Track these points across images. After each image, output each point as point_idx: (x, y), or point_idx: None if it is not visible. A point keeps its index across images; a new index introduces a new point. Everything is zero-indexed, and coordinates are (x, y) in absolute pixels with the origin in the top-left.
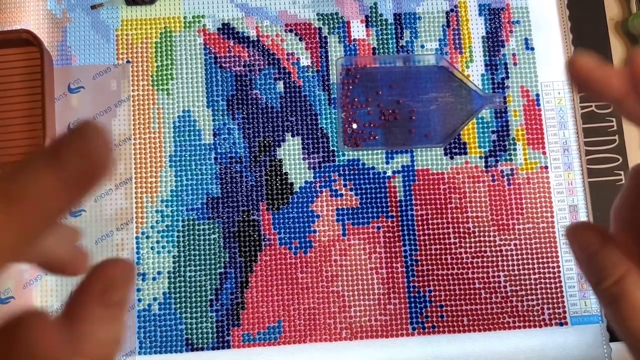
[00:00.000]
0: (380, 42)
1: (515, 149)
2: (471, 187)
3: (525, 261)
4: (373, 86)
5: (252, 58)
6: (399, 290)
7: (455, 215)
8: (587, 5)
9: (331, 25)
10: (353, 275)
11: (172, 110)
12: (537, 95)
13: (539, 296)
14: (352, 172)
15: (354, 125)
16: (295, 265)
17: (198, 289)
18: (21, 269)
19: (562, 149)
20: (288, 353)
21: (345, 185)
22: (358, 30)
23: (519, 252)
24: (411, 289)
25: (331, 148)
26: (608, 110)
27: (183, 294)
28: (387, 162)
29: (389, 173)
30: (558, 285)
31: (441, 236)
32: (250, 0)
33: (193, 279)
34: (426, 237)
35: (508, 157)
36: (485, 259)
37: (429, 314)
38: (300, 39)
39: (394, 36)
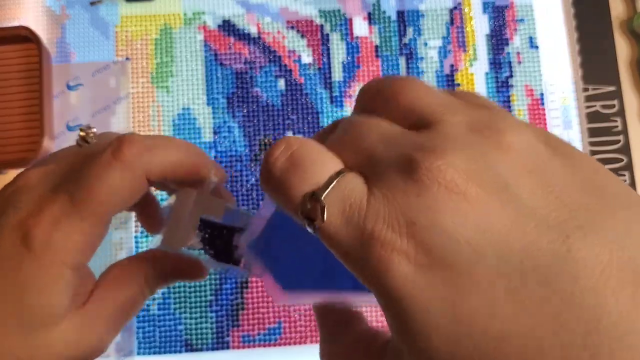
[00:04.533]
0: (383, 39)
1: None
2: None
3: None
4: None
5: (253, 55)
6: None
7: None
8: (592, 4)
9: (333, 23)
10: None
11: (171, 108)
12: (542, 94)
13: None
14: None
15: None
16: None
17: (197, 289)
18: None
19: None
20: (288, 354)
21: None
22: (360, 27)
23: None
24: None
25: None
26: (613, 110)
27: (182, 295)
28: None
29: None
30: None
31: None
32: None
33: None
34: None
35: None
36: None
37: None
38: (302, 36)
39: (397, 33)
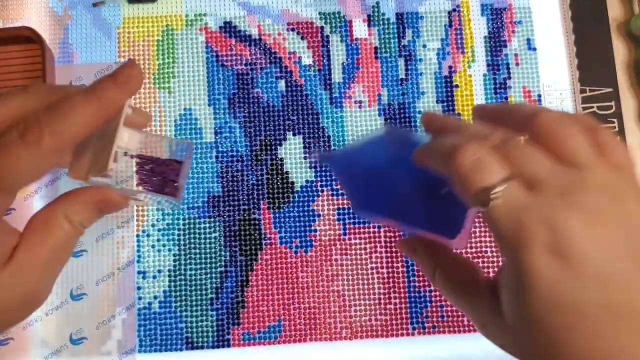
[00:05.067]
0: (382, 41)
1: None
2: None
3: None
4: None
5: (254, 56)
6: (399, 289)
7: None
8: (589, 6)
9: (333, 24)
10: (353, 274)
11: (173, 109)
12: (539, 96)
13: None
14: None
15: None
16: (296, 264)
17: (198, 287)
18: None
19: None
20: (288, 352)
21: None
22: (360, 29)
23: None
24: (411, 289)
25: (332, 147)
26: (610, 112)
27: (183, 293)
28: None
29: None
30: None
31: None
32: None
33: (193, 277)
34: None
35: None
36: (485, 259)
37: (430, 314)
38: (302, 38)
39: (396, 35)
